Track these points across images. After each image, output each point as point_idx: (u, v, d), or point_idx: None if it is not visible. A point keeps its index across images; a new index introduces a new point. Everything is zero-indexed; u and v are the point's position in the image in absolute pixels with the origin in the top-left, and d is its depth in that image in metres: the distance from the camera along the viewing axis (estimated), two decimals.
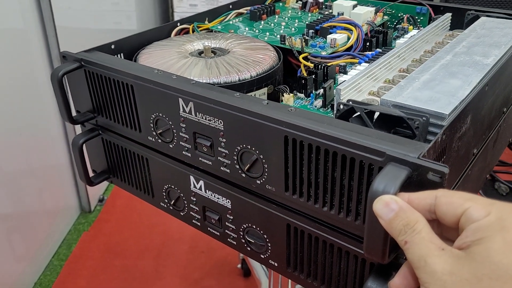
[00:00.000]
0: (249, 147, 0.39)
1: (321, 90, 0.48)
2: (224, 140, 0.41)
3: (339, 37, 0.59)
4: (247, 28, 0.66)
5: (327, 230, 0.38)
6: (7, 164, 1.06)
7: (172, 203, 0.52)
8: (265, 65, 0.52)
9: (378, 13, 0.68)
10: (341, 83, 0.43)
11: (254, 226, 0.44)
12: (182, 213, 0.52)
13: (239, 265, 1.18)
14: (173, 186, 0.50)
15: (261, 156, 0.39)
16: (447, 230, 0.29)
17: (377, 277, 0.33)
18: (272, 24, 0.67)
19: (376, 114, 0.38)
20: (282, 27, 0.66)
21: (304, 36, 0.60)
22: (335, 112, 0.40)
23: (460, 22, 0.65)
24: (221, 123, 0.40)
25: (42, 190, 1.22)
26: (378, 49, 0.58)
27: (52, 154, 1.26)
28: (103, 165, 0.58)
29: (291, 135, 0.36)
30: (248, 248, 0.46)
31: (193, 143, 0.44)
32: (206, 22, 0.69)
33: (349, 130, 0.34)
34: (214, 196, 0.46)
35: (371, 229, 0.30)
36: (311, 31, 0.62)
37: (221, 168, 0.43)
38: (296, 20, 0.69)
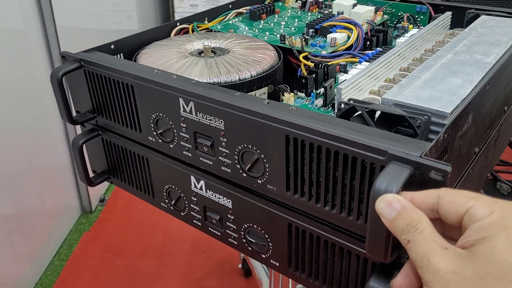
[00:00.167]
0: (250, 146, 0.39)
1: (322, 90, 0.48)
2: (225, 139, 0.41)
3: (339, 36, 0.59)
4: (246, 28, 0.66)
5: (328, 230, 0.38)
6: (8, 164, 1.06)
7: (172, 203, 0.52)
8: (265, 65, 0.52)
9: (378, 12, 0.67)
10: (341, 82, 0.43)
11: (255, 226, 0.44)
12: (182, 213, 0.51)
13: (240, 265, 1.18)
14: (173, 186, 0.50)
15: (262, 156, 0.39)
16: (450, 229, 0.28)
17: (379, 277, 0.33)
18: (272, 24, 0.67)
19: (377, 113, 0.38)
20: (282, 26, 0.66)
21: (304, 36, 0.60)
22: (336, 111, 0.40)
23: (460, 20, 0.64)
24: (221, 122, 0.40)
25: (43, 190, 1.22)
26: (378, 48, 0.58)
27: (53, 154, 1.26)
28: (103, 165, 0.58)
29: (292, 134, 0.36)
30: (249, 248, 0.46)
31: (194, 143, 0.44)
32: (206, 21, 0.68)
33: (350, 129, 0.34)
34: (215, 196, 0.46)
35: (373, 228, 0.30)
36: (311, 30, 0.62)
37: (222, 168, 0.43)
38: (296, 20, 0.69)
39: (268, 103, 0.39)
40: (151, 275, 1.20)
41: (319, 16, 0.67)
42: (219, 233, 0.48)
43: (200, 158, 0.45)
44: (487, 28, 0.56)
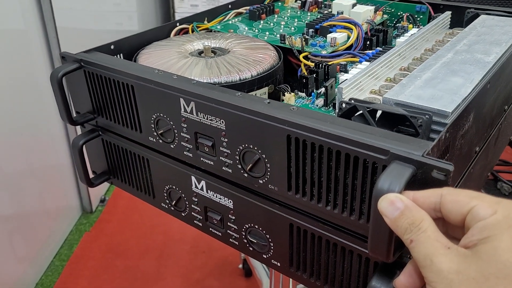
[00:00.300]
0: (251, 146, 0.39)
1: (323, 89, 0.48)
2: (226, 140, 0.41)
3: (339, 36, 0.59)
4: (246, 28, 0.66)
5: (330, 229, 0.38)
6: (8, 164, 1.06)
7: (173, 203, 0.51)
8: (265, 65, 0.52)
9: (377, 12, 0.67)
10: (342, 82, 0.43)
11: (256, 226, 0.44)
12: (183, 214, 0.51)
13: (241, 265, 1.18)
14: (174, 187, 0.50)
15: (264, 156, 0.39)
16: (452, 229, 0.28)
17: (381, 276, 0.33)
18: (272, 24, 0.67)
19: (379, 113, 0.38)
20: (282, 26, 0.66)
21: (304, 35, 0.60)
22: (337, 111, 0.40)
23: (459, 20, 0.64)
24: (223, 122, 0.40)
25: (43, 190, 1.22)
26: (378, 48, 0.58)
27: (53, 155, 1.26)
28: (103, 166, 0.58)
29: (294, 134, 0.35)
30: (250, 248, 0.46)
31: (195, 143, 0.44)
32: (205, 22, 0.68)
33: (352, 128, 0.34)
34: (216, 196, 0.46)
35: (375, 228, 0.30)
36: (311, 30, 0.62)
37: (223, 168, 0.43)
38: (296, 20, 0.69)
39: (269, 103, 0.39)
40: (152, 275, 1.20)
41: (318, 16, 0.67)
42: (220, 234, 0.48)
43: (201, 159, 0.45)
44: (487, 27, 0.56)
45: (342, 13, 0.67)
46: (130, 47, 0.57)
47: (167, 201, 0.52)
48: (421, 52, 0.53)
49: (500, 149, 0.59)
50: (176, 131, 0.45)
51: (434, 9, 0.67)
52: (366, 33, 0.62)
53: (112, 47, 0.55)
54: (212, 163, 0.44)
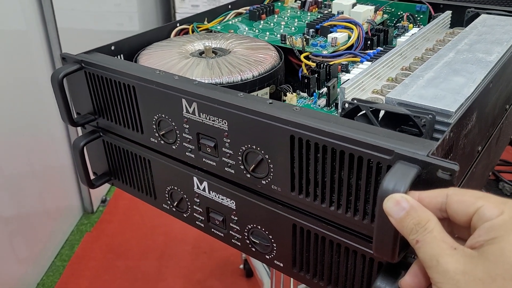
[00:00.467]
0: (254, 147, 0.39)
1: (324, 89, 0.48)
2: (229, 140, 0.41)
3: (339, 36, 0.59)
4: (246, 28, 0.66)
5: (334, 230, 0.38)
6: (9, 165, 1.06)
7: (175, 204, 0.51)
8: (267, 65, 0.51)
9: (377, 12, 0.67)
10: (344, 82, 0.43)
11: (259, 227, 0.44)
12: (185, 215, 0.51)
13: (242, 266, 1.18)
14: (176, 188, 0.50)
15: (267, 156, 0.39)
16: (458, 229, 0.28)
17: (386, 277, 0.33)
18: (272, 24, 0.67)
19: (381, 113, 0.38)
20: (282, 26, 0.66)
21: (305, 35, 0.60)
22: (340, 110, 0.40)
23: (460, 19, 0.65)
24: (225, 123, 0.40)
25: (44, 191, 1.22)
26: (379, 48, 0.58)
27: (54, 155, 1.26)
28: (104, 167, 0.57)
29: (297, 134, 0.35)
30: (253, 249, 0.46)
31: (197, 144, 0.44)
32: (206, 22, 0.68)
33: (356, 128, 0.34)
34: (218, 197, 0.46)
35: (380, 228, 0.30)
36: (311, 30, 0.62)
37: (226, 168, 0.43)
38: (296, 20, 0.69)
39: (271, 103, 0.38)
40: (153, 275, 1.20)
41: (319, 16, 0.67)
42: (222, 234, 0.48)
43: (203, 159, 0.44)
44: (487, 26, 0.56)
45: (342, 13, 0.67)
46: (131, 48, 0.57)
47: (169, 202, 0.52)
48: (422, 52, 0.53)
49: (501, 148, 0.59)
50: (178, 132, 0.45)
51: (434, 9, 0.67)
52: (366, 33, 0.61)
53: (112, 47, 0.55)
54: (214, 164, 0.44)
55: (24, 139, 1.11)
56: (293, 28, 0.65)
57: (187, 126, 0.44)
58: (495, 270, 0.24)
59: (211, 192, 0.46)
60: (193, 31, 0.66)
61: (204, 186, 0.47)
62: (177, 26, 0.64)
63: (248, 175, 0.41)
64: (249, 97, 0.40)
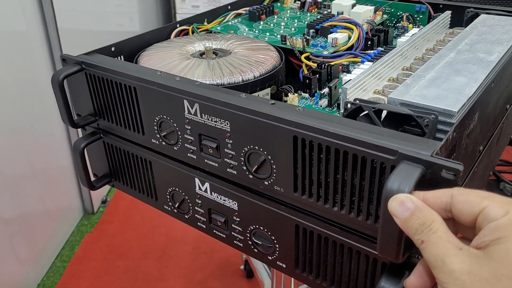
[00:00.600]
0: (256, 148, 0.39)
1: (326, 90, 0.48)
2: (231, 141, 0.41)
3: (340, 36, 0.59)
4: (246, 29, 0.66)
5: (337, 230, 0.38)
6: (10, 166, 1.06)
7: (176, 206, 0.51)
8: (267, 66, 0.51)
9: (377, 12, 0.67)
10: (346, 82, 0.43)
11: (261, 228, 0.44)
12: (186, 216, 0.51)
13: (242, 267, 1.18)
14: (177, 189, 0.50)
15: (269, 157, 0.39)
16: (463, 229, 0.28)
17: (390, 277, 0.33)
18: (272, 24, 0.67)
19: (384, 113, 0.38)
20: (282, 27, 0.66)
21: (305, 36, 0.60)
22: (342, 111, 0.40)
23: (459, 19, 0.65)
24: (227, 124, 0.40)
25: (45, 192, 1.22)
26: (379, 48, 0.58)
27: (54, 156, 1.26)
28: (105, 168, 0.57)
29: (300, 135, 0.35)
30: (255, 250, 0.46)
31: (199, 145, 0.44)
32: (205, 23, 0.68)
33: (359, 129, 0.34)
34: (220, 198, 0.46)
35: (385, 228, 0.30)
36: (311, 30, 0.61)
37: (228, 169, 0.43)
38: (296, 20, 0.69)
39: (274, 104, 0.38)
40: (153, 276, 1.20)
41: (318, 17, 0.67)
42: (224, 236, 0.48)
43: (205, 160, 0.44)
44: (487, 26, 0.56)
45: (342, 13, 0.67)
46: (131, 49, 0.57)
47: (170, 204, 0.52)
48: (422, 52, 0.53)
49: (502, 148, 0.59)
50: (179, 133, 0.45)
51: (433, 9, 0.67)
52: (366, 33, 0.62)
53: (112, 49, 0.55)
54: (216, 165, 0.43)
55: (25, 139, 1.11)
56: (293, 29, 0.65)
57: (189, 127, 0.44)
58: (500, 270, 0.24)
59: (213, 193, 0.46)
60: (193, 32, 0.66)
61: (206, 187, 0.46)
62: (177, 27, 0.64)
63: (251, 176, 0.41)
64: (251, 98, 0.40)
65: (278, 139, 0.37)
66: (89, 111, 0.53)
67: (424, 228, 0.27)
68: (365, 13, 0.65)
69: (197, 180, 0.47)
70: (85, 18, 1.35)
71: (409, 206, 0.27)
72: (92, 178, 0.57)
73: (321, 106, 0.48)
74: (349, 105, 0.39)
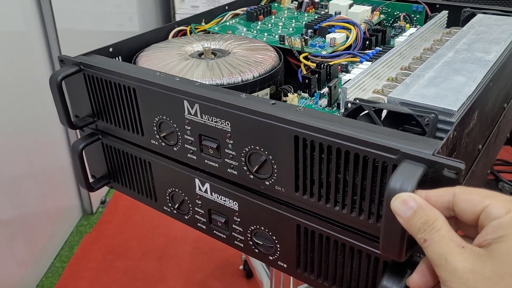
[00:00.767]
0: (257, 148, 0.39)
1: (325, 89, 0.48)
2: (232, 141, 0.41)
3: (338, 36, 0.59)
4: (244, 29, 0.66)
5: (338, 230, 0.38)
6: (9, 166, 1.06)
7: (176, 207, 0.51)
8: (267, 66, 0.51)
9: (374, 12, 0.68)
10: (346, 82, 0.43)
11: (262, 228, 0.44)
12: (186, 217, 0.51)
13: (241, 267, 1.18)
14: (177, 190, 0.50)
15: (270, 157, 0.39)
16: (465, 227, 0.29)
17: (392, 276, 0.33)
18: (270, 25, 0.67)
19: (384, 113, 0.38)
20: (280, 27, 0.66)
21: (304, 36, 0.60)
22: (342, 111, 0.40)
23: (456, 19, 0.65)
24: (228, 124, 0.40)
25: (44, 192, 1.22)
26: (378, 48, 0.58)
27: (53, 156, 1.26)
28: (103, 170, 0.57)
29: (302, 134, 0.35)
30: (256, 250, 0.45)
31: (199, 145, 0.44)
32: (203, 23, 0.68)
33: (361, 128, 0.34)
34: (221, 199, 0.46)
35: (388, 227, 0.30)
36: (309, 30, 0.62)
37: (228, 170, 0.43)
38: (293, 20, 0.69)
39: (274, 103, 0.38)
40: (153, 276, 1.20)
41: (316, 17, 0.67)
42: (224, 236, 0.48)
43: (205, 161, 0.44)
44: (484, 26, 0.56)
45: (339, 13, 0.67)
46: (129, 50, 0.57)
47: (170, 205, 0.52)
48: (420, 52, 0.54)
49: (499, 146, 0.60)
50: (179, 133, 0.45)
51: (430, 9, 0.68)
52: (364, 33, 0.62)
53: (110, 49, 0.55)
54: (216, 165, 0.43)
55: (23, 140, 1.11)
56: (290, 29, 0.65)
57: (189, 128, 0.43)
58: (503, 268, 0.24)
59: (213, 193, 0.46)
60: (190, 33, 0.65)
61: (206, 188, 0.46)
62: (175, 28, 0.64)
63: (252, 176, 0.41)
64: (252, 98, 0.40)
65: (279, 139, 0.37)
66: (87, 112, 0.53)
67: (427, 227, 0.27)
68: (362, 13, 0.65)
69: (197, 181, 0.47)
70: (84, 18, 1.35)
71: (412, 205, 0.28)
72: (91, 180, 0.57)
73: (320, 106, 0.49)
74: (349, 105, 0.39)
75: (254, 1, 0.75)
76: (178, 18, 1.83)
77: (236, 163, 0.42)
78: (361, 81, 0.44)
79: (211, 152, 0.43)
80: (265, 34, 0.63)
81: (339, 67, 0.54)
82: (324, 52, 0.57)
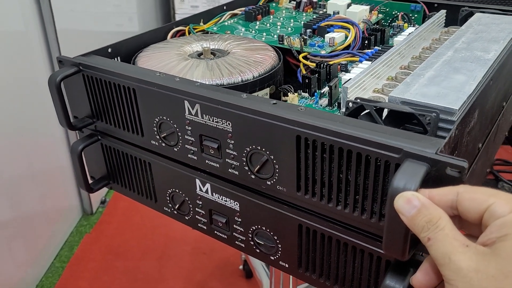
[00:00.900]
0: (259, 148, 0.39)
1: (326, 89, 0.48)
2: (233, 141, 0.41)
3: (337, 36, 0.59)
4: (243, 29, 0.66)
5: (340, 229, 0.38)
6: (9, 167, 1.05)
7: (176, 207, 0.51)
8: (266, 66, 0.51)
9: (373, 11, 0.68)
10: (346, 82, 0.43)
11: (263, 228, 0.43)
12: (187, 217, 0.51)
13: (241, 267, 1.18)
14: (177, 190, 0.50)
15: (272, 157, 0.38)
16: (469, 226, 0.29)
17: (395, 275, 0.33)
18: (268, 25, 0.67)
19: (385, 112, 0.38)
20: (278, 27, 0.66)
21: (303, 36, 0.60)
22: (343, 110, 0.40)
23: (454, 18, 0.65)
24: (229, 124, 0.40)
25: (44, 192, 1.22)
26: (377, 47, 0.58)
27: (53, 157, 1.25)
28: (103, 171, 0.57)
29: (303, 134, 0.35)
30: (257, 250, 0.45)
31: (199, 145, 0.44)
32: (201, 23, 0.68)
33: (362, 127, 0.34)
34: (222, 199, 0.46)
35: (391, 226, 0.30)
36: (308, 30, 0.62)
37: (229, 170, 0.42)
38: (292, 20, 0.69)
39: (275, 103, 0.38)
40: (153, 276, 1.20)
41: (314, 16, 0.67)
42: (225, 236, 0.48)
43: (206, 161, 0.44)
44: (483, 25, 0.56)
45: (338, 13, 0.67)
46: (128, 50, 0.57)
47: (170, 205, 0.52)
48: (419, 51, 0.54)
49: (498, 145, 0.60)
50: (180, 134, 0.45)
51: (428, 8, 0.68)
52: (363, 32, 0.62)
53: (109, 50, 0.54)
54: (217, 165, 0.43)
55: (23, 140, 1.11)
56: (289, 29, 0.65)
57: (190, 128, 0.43)
58: (507, 267, 0.24)
59: (214, 194, 0.46)
60: (189, 33, 0.65)
61: (207, 188, 0.46)
62: (174, 28, 0.64)
63: (253, 176, 0.41)
64: (253, 98, 0.40)
65: (280, 139, 0.37)
66: (86, 113, 0.52)
67: (431, 226, 0.27)
68: (360, 13, 0.66)
69: (197, 181, 0.47)
70: (83, 18, 1.34)
71: (416, 204, 0.28)
72: (90, 181, 0.56)
73: (321, 105, 0.49)
74: (350, 104, 0.39)
75: (252, 1, 0.75)
76: (178, 18, 1.83)
77: (237, 163, 0.41)
78: (361, 80, 0.44)
79: (212, 153, 0.43)
80: (264, 34, 0.63)
81: (339, 66, 0.54)
82: (323, 52, 0.57)
